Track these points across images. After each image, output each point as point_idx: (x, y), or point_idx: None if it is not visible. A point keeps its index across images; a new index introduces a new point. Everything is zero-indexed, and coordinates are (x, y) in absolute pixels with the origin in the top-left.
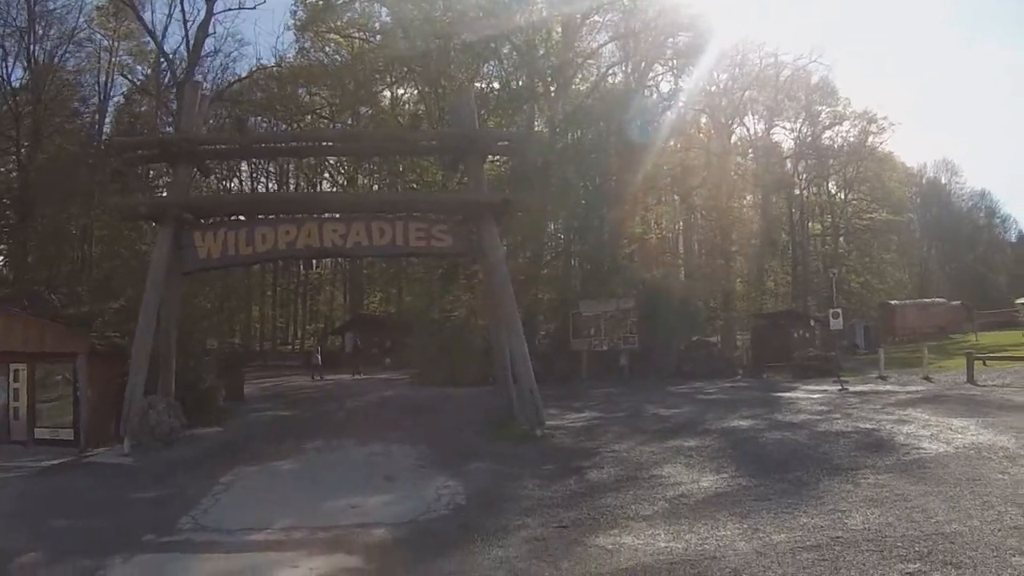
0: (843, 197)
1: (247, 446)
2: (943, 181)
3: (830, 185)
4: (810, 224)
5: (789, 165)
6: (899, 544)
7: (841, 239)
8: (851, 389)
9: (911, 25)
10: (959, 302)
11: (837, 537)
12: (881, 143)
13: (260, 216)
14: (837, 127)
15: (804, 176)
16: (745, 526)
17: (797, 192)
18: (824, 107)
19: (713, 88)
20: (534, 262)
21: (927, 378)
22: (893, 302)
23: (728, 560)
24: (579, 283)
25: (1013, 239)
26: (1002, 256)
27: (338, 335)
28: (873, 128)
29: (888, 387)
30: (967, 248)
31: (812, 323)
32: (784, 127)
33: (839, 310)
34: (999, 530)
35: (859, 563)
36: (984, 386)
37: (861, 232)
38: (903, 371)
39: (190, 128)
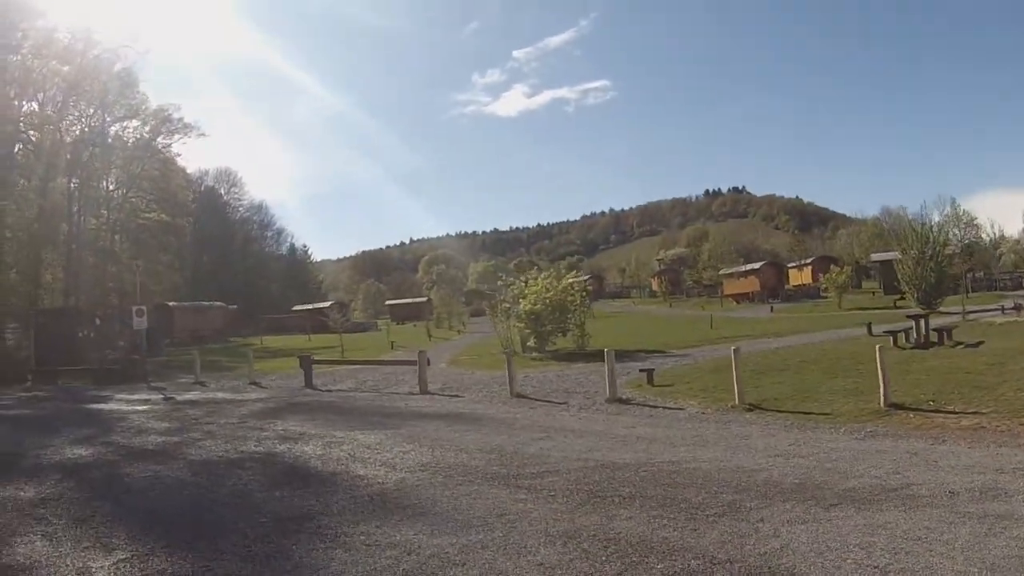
0: (123, 193)
1: None
2: (221, 191)
3: (111, 180)
4: (84, 218)
5: (72, 153)
6: None
7: (117, 236)
8: (178, 398)
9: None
10: (235, 306)
11: None
12: (170, 144)
13: None
14: (130, 121)
15: (87, 166)
16: None
17: (77, 182)
18: (121, 98)
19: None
20: None
21: (256, 383)
22: (171, 304)
23: None
24: None
25: (285, 251)
26: (276, 265)
27: None
28: (164, 128)
29: (220, 394)
30: (240, 256)
31: (97, 322)
32: (76, 111)
33: (144, 307)
34: None
35: None
36: (330, 390)
37: (137, 231)
38: (214, 375)
39: None
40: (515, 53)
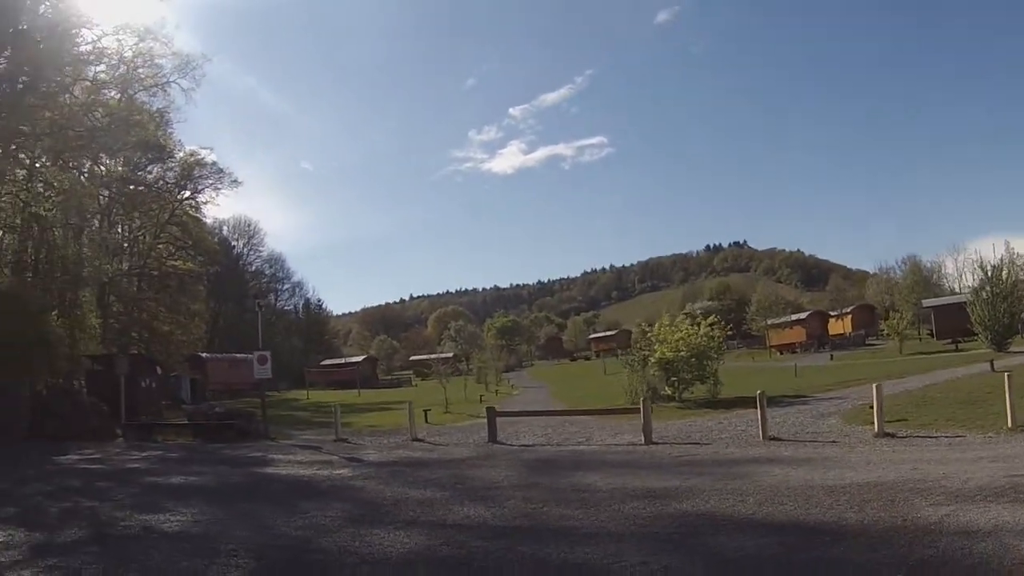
0: (148, 238)
1: None
2: (234, 242)
3: (137, 223)
4: (116, 261)
5: (106, 195)
6: None
7: (143, 283)
8: (367, 459)
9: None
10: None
11: None
12: (202, 189)
13: None
14: (162, 163)
15: (115, 208)
16: None
17: (107, 224)
18: (155, 139)
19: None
20: None
21: (420, 439)
22: (204, 355)
23: None
24: None
25: (300, 305)
26: (293, 319)
27: None
28: (196, 173)
29: (406, 453)
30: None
31: (159, 370)
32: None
33: (267, 354)
34: None
35: None
36: (530, 446)
37: (162, 278)
38: (331, 432)
39: None
40: (511, 110)
